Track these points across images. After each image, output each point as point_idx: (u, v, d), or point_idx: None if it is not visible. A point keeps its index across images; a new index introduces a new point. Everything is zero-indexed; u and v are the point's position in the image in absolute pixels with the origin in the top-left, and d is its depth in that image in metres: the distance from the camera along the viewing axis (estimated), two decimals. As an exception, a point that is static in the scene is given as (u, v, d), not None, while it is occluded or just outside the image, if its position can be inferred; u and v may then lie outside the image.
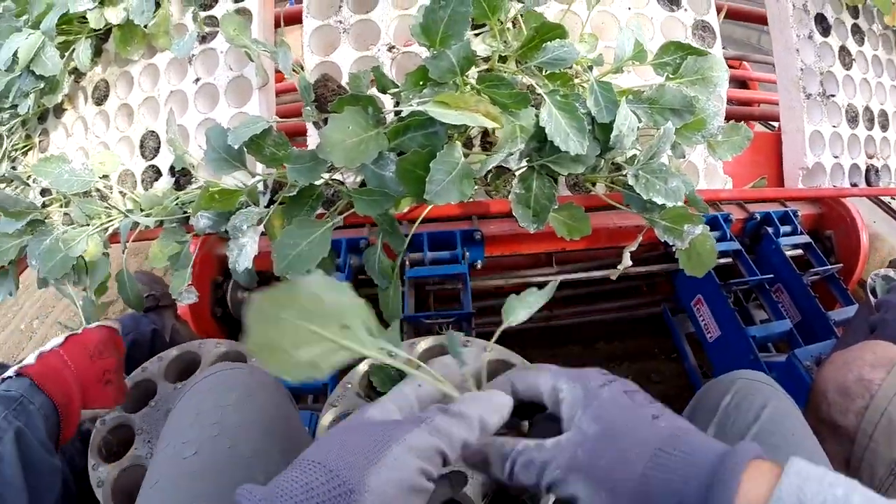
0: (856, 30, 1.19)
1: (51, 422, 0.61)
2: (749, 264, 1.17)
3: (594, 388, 0.38)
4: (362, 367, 0.77)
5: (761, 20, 1.11)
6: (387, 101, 0.70)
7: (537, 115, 0.64)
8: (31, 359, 0.64)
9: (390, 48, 0.76)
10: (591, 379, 0.39)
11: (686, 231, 0.73)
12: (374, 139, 0.60)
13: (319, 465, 0.30)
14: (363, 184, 0.69)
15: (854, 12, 1.20)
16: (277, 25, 0.93)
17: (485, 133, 0.74)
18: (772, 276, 1.18)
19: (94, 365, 0.69)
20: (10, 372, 0.62)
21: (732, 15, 1.19)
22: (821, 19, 1.11)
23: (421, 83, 0.63)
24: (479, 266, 0.88)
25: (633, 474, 0.33)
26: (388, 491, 0.30)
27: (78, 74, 1.07)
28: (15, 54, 0.99)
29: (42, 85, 1.01)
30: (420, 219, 0.67)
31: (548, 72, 0.69)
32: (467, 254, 0.87)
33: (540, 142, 0.66)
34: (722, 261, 1.13)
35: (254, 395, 0.62)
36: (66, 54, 1.02)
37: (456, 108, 0.58)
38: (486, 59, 0.70)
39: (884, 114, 1.22)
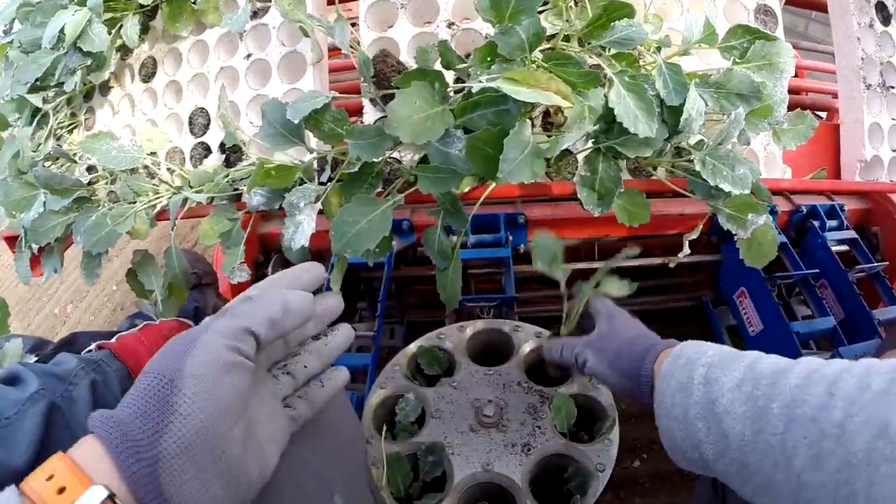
0: (914, 19, 1.14)
1: (126, 387, 0.62)
2: (794, 258, 1.14)
3: (613, 310, 0.64)
4: (412, 348, 0.76)
5: (820, 7, 1.07)
6: (449, 77, 0.68)
7: (605, 96, 0.63)
8: (114, 339, 0.67)
9: (449, 24, 0.75)
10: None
11: (750, 220, 0.71)
12: (441, 115, 0.58)
13: (146, 374, 0.33)
14: (422, 161, 0.68)
15: (914, 1, 1.15)
16: (331, 2, 0.92)
17: (546, 113, 0.72)
18: (817, 270, 1.14)
19: None
20: (91, 346, 0.65)
21: (793, 1, 1.15)
22: (881, 7, 1.07)
23: (489, 59, 0.62)
24: (521, 250, 0.86)
25: (611, 350, 0.59)
26: (204, 371, 0.32)
27: (125, 51, 1.07)
28: (61, 31, 0.99)
29: (89, 62, 1.01)
30: (482, 199, 0.66)
31: (614, 52, 0.67)
32: (510, 237, 0.86)
33: (608, 123, 0.64)
34: (767, 253, 1.09)
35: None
36: (113, 31, 1.01)
37: (528, 85, 0.57)
38: (549, 38, 0.69)
39: (943, 104, 1.18)
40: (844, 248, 1.29)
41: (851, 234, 1.28)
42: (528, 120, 0.59)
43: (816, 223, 1.23)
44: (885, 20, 1.08)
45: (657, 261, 0.86)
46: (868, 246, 1.32)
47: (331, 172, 0.68)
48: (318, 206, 0.68)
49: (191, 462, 0.31)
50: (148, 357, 0.65)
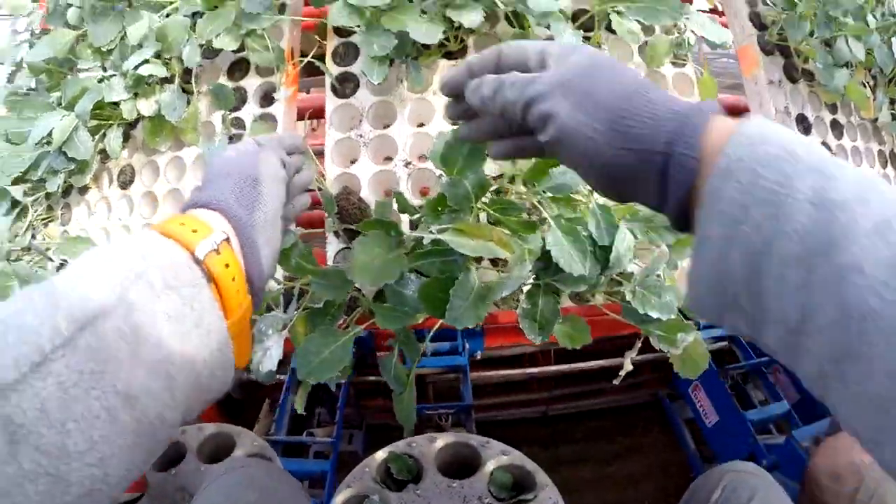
0: (835, 124, 1.27)
1: None
2: (745, 348, 1.22)
3: (580, 45, 0.40)
4: (382, 453, 0.81)
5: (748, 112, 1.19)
6: (406, 219, 0.76)
7: (543, 238, 0.70)
8: None
9: (407, 163, 0.83)
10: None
11: (680, 339, 0.78)
12: (397, 260, 0.65)
13: (230, 175, 0.46)
14: (379, 293, 0.75)
15: (833, 108, 1.29)
16: (300, 118, 0.99)
17: (494, 247, 0.79)
18: (768, 358, 1.22)
19: None
20: None
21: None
22: (801, 119, 1.20)
23: (439, 209, 0.69)
24: (478, 357, 0.92)
25: (610, 98, 0.35)
26: (272, 176, 0.48)
27: (105, 156, 1.13)
28: (49, 133, 1.04)
29: (72, 166, 1.07)
30: (433, 331, 0.72)
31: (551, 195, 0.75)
32: (468, 345, 0.91)
33: (546, 262, 0.71)
34: (718, 345, 1.18)
35: (273, 491, 0.66)
36: (97, 137, 1.07)
37: (472, 237, 0.64)
38: (498, 178, 0.77)
39: (863, 201, 1.29)
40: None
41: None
42: (472, 266, 0.66)
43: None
44: (806, 130, 1.20)
45: (596, 364, 0.93)
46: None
47: (296, 302, 0.74)
48: (285, 333, 0.73)
49: (264, 230, 0.45)
50: None
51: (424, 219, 0.69)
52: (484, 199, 0.72)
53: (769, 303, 0.29)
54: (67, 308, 0.30)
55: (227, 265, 0.39)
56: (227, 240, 0.41)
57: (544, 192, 0.74)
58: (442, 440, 0.79)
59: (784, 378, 1.26)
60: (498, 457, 0.79)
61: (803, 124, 1.19)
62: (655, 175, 0.34)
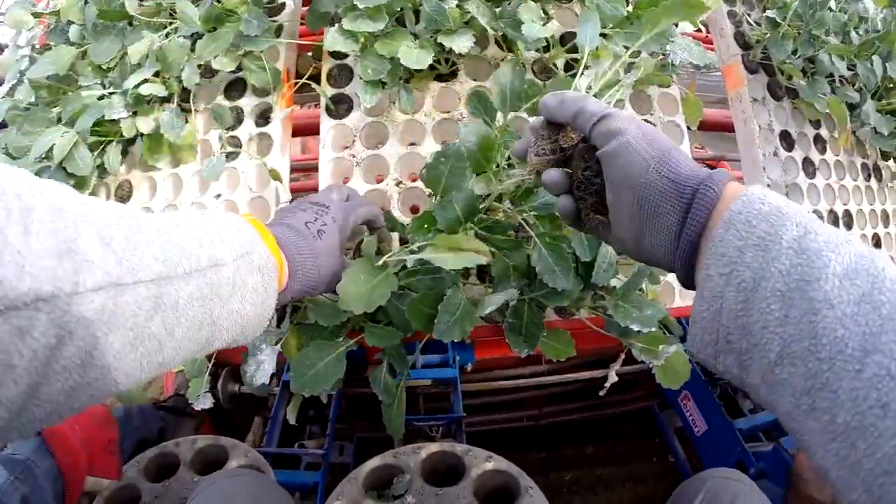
0: (818, 139, 1.31)
1: (56, 486, 0.64)
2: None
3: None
4: (369, 464, 0.83)
5: (732, 129, 1.22)
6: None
7: (528, 255, 0.73)
8: None
9: (398, 182, 0.86)
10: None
11: (661, 351, 0.81)
12: (386, 280, 0.67)
13: (300, 232, 0.60)
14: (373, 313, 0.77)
15: (816, 124, 1.32)
16: (295, 136, 1.02)
17: (480, 266, 0.82)
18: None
19: (102, 433, 0.72)
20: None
21: (705, 126, 1.30)
22: (785, 135, 1.23)
23: (426, 227, 0.72)
24: (469, 368, 0.94)
25: (664, 143, 0.43)
26: (329, 249, 0.60)
27: (102, 171, 1.15)
28: (50, 149, 1.07)
29: (72, 182, 1.09)
30: (421, 344, 0.75)
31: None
32: (458, 357, 0.93)
33: (530, 278, 0.74)
34: (702, 358, 1.19)
35: (263, 502, 0.67)
36: (96, 153, 1.10)
37: (452, 251, 0.66)
38: (485, 198, 0.79)
39: (847, 213, 1.32)
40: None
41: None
42: (459, 284, 0.68)
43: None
44: (789, 147, 1.23)
45: (587, 375, 0.95)
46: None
47: (289, 318, 0.77)
48: (278, 348, 0.75)
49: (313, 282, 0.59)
50: (82, 449, 0.69)
51: (412, 237, 0.71)
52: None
53: (755, 336, 0.34)
54: (209, 250, 0.45)
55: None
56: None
57: (530, 210, 0.77)
58: (426, 450, 0.81)
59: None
60: (482, 463, 0.81)
61: (787, 140, 1.23)
62: (683, 205, 0.40)
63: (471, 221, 0.71)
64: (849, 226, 1.31)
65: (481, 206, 0.79)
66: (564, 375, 0.93)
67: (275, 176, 0.86)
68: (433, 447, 0.82)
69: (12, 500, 0.59)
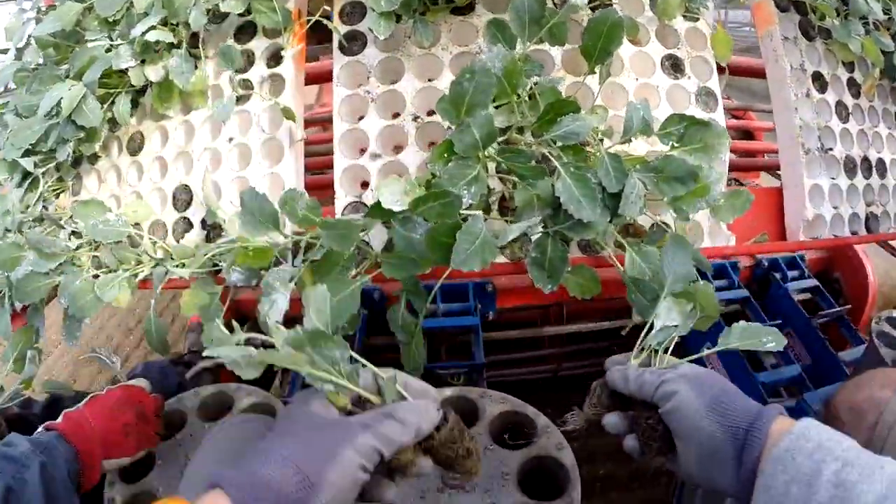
0: (852, 83, 1.24)
1: (73, 467, 0.69)
2: (758, 311, 1.20)
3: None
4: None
5: (763, 74, 1.16)
6: (412, 167, 0.75)
7: (552, 185, 0.70)
8: (60, 419, 0.72)
9: (415, 118, 0.82)
10: None
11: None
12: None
13: (289, 461, 0.40)
14: (388, 246, 0.74)
15: (849, 67, 1.25)
16: (308, 83, 0.99)
17: (502, 198, 0.79)
18: (780, 321, 1.20)
19: (115, 421, 0.76)
20: (40, 429, 0.71)
21: (735, 71, 1.25)
22: (817, 76, 1.17)
23: (445, 156, 0.68)
24: (490, 317, 0.91)
25: (714, 390, 0.50)
26: (340, 483, 0.40)
27: (114, 124, 1.13)
28: (58, 104, 1.05)
29: (81, 134, 1.07)
30: (441, 280, 0.72)
31: (561, 143, 0.74)
32: (479, 306, 0.90)
33: (554, 209, 0.71)
34: (730, 308, 1.16)
35: None
36: (105, 105, 1.08)
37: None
38: (505, 131, 0.76)
39: (881, 162, 1.26)
40: (808, 295, 1.35)
41: (813, 282, 1.35)
42: (479, 212, 0.65)
43: (778, 275, 1.31)
44: (822, 88, 1.17)
45: (608, 325, 0.92)
46: (831, 292, 1.39)
47: (304, 255, 0.74)
48: (292, 286, 0.73)
49: None
50: (96, 438, 0.72)
51: (430, 167, 0.68)
52: (492, 149, 0.71)
53: None
54: None
55: None
56: None
57: (553, 141, 0.73)
58: (441, 394, 0.79)
59: (797, 342, 1.24)
60: (497, 405, 0.78)
61: (819, 81, 1.17)
62: (737, 447, 0.46)
63: (489, 150, 0.67)
64: (882, 174, 1.25)
65: (501, 140, 0.75)
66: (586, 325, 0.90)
67: (288, 115, 0.83)
68: (447, 391, 0.80)
69: (33, 465, 0.63)
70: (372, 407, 0.46)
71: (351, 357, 0.47)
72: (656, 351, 0.62)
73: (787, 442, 0.43)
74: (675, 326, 0.66)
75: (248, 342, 0.46)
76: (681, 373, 0.54)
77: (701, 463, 0.49)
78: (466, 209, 0.68)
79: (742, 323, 0.67)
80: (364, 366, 0.48)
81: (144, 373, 0.98)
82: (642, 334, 0.66)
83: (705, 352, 0.66)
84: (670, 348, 0.64)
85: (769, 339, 0.65)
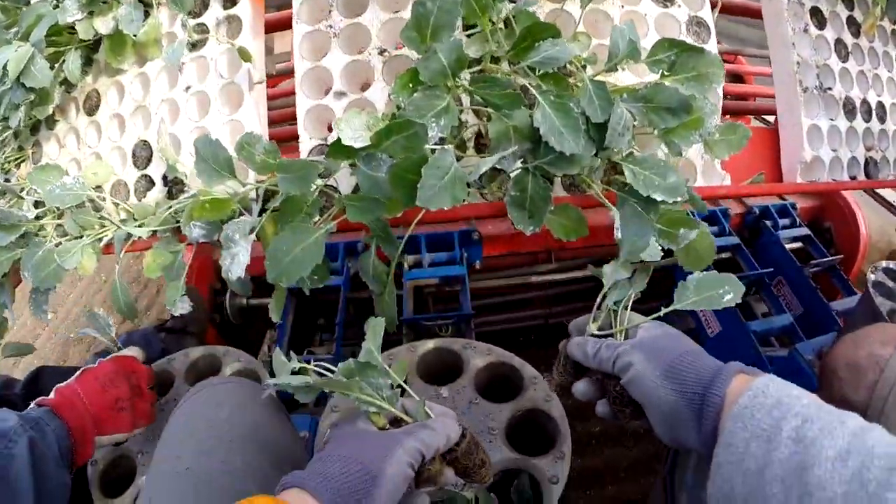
0: (851, 22, 1.18)
1: (64, 444, 0.66)
2: (749, 259, 1.16)
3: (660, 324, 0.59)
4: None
5: (756, 14, 1.10)
6: (379, 104, 0.69)
7: (531, 116, 0.64)
8: (51, 394, 0.69)
9: (381, 51, 0.76)
10: None
11: (682, 235, 0.71)
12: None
13: (353, 459, 0.46)
14: (356, 189, 0.69)
15: (849, 4, 1.18)
16: (268, 31, 0.92)
17: (478, 135, 0.73)
18: (772, 269, 1.17)
19: (107, 395, 0.73)
20: (32, 405, 0.68)
21: (727, 9, 1.18)
22: (816, 12, 1.10)
23: (410, 85, 0.62)
24: (477, 266, 0.87)
25: (669, 357, 0.51)
26: (395, 477, 0.46)
27: (69, 85, 1.06)
28: (4, 67, 0.98)
29: (32, 97, 1.01)
30: (415, 222, 0.66)
31: (541, 72, 0.68)
32: (465, 255, 0.86)
33: (534, 143, 0.65)
34: (721, 255, 1.11)
35: (245, 409, 0.62)
36: (56, 66, 1.01)
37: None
38: (479, 61, 0.70)
39: (881, 106, 1.20)
40: (799, 244, 1.31)
41: (804, 230, 1.31)
42: (449, 146, 0.59)
43: (769, 223, 1.26)
44: (821, 24, 1.11)
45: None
46: (822, 241, 1.35)
47: (265, 203, 0.69)
48: (253, 237, 0.68)
49: None
50: (87, 414, 0.69)
51: (394, 97, 0.62)
52: (465, 80, 0.65)
53: None
54: None
55: None
56: None
57: (532, 70, 0.67)
58: (422, 348, 0.74)
59: (788, 291, 1.21)
60: (482, 357, 0.74)
61: (817, 17, 1.10)
62: (694, 410, 0.47)
63: (460, 77, 0.61)
64: (882, 119, 1.20)
65: (476, 70, 0.69)
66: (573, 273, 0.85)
67: (244, 56, 0.77)
68: (430, 344, 0.76)
69: (21, 440, 0.61)
70: (405, 424, 0.53)
71: (391, 384, 0.55)
72: (615, 311, 0.60)
73: (745, 399, 0.43)
74: (630, 281, 0.64)
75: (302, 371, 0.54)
76: (635, 342, 0.55)
77: (665, 425, 0.50)
78: (437, 145, 0.62)
79: (697, 274, 0.63)
80: (402, 393, 0.56)
81: (127, 341, 0.94)
82: (600, 295, 0.62)
83: (661, 312, 0.61)
84: (629, 306, 0.61)
85: (726, 290, 0.60)
